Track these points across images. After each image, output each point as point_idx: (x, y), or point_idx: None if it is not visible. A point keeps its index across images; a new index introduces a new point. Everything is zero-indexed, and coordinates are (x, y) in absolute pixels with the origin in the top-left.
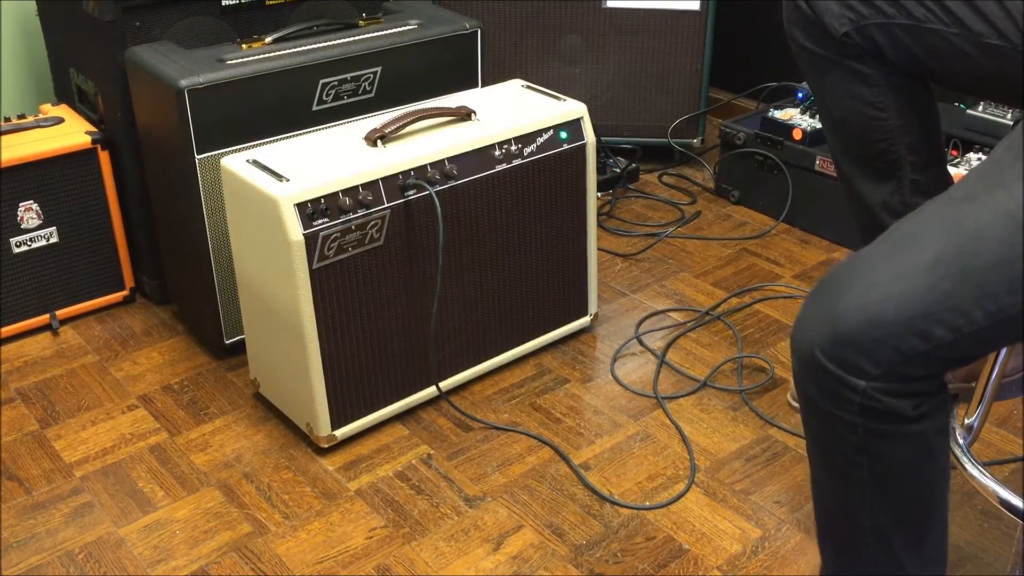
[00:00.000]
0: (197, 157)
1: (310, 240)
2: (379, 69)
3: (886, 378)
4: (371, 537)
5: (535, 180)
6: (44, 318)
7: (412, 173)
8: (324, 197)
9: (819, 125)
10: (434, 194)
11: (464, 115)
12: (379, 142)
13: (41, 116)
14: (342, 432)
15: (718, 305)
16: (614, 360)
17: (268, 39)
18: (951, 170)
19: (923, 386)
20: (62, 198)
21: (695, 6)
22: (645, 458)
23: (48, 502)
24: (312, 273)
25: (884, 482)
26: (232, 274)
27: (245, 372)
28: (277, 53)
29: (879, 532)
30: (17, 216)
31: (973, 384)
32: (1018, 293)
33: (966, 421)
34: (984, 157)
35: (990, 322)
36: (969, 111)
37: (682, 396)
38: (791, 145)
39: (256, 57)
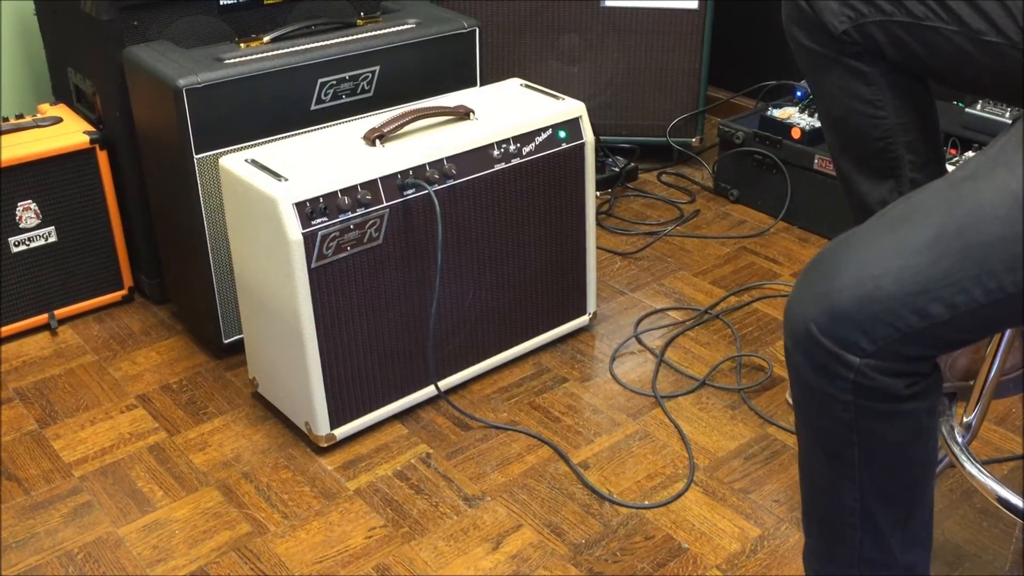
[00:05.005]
0: (195, 157)
1: (309, 239)
2: (377, 68)
3: (881, 355)
4: (370, 536)
5: (534, 179)
6: (43, 318)
7: (411, 172)
8: (323, 196)
9: (818, 124)
10: (432, 193)
11: (463, 114)
12: (377, 141)
13: (39, 116)
14: (341, 431)
15: (717, 304)
16: (613, 359)
17: (266, 38)
18: (949, 169)
19: (917, 366)
20: (61, 198)
21: (693, 5)
22: (644, 457)
23: (47, 502)
24: (311, 272)
25: (874, 462)
26: (231, 273)
27: (244, 371)
28: (275, 52)
29: (867, 513)
30: (16, 216)
31: (971, 382)
32: (1018, 271)
33: (965, 419)
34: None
35: (989, 300)
36: (968, 109)
37: (681, 395)
38: (790, 144)
39: (254, 56)
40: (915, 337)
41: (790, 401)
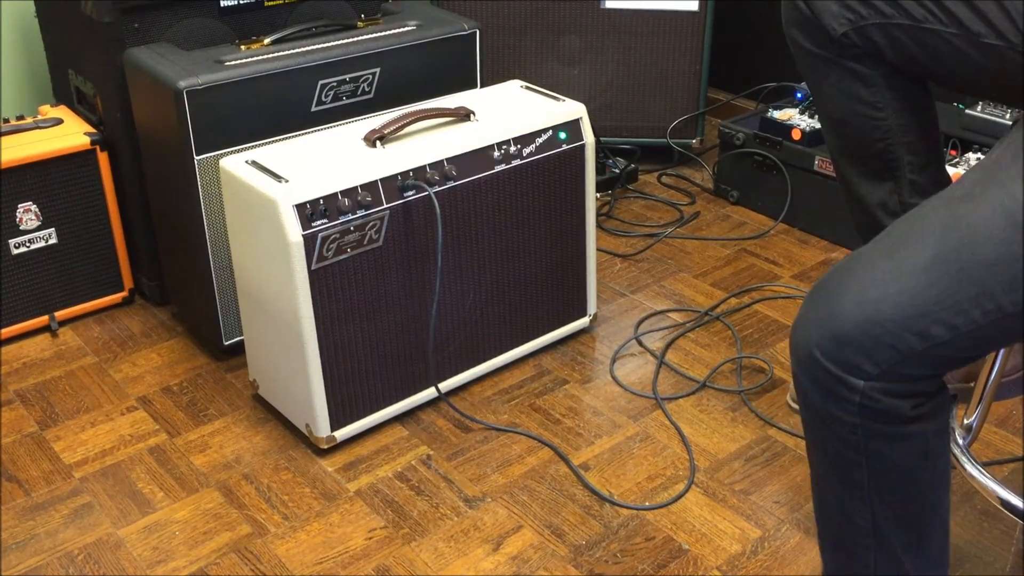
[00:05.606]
0: (196, 158)
1: (309, 241)
2: (378, 70)
3: (885, 377)
4: (371, 538)
5: (534, 181)
6: (43, 319)
7: (411, 174)
8: (323, 198)
9: (818, 125)
10: (433, 195)
11: (463, 116)
12: (378, 143)
13: (40, 117)
14: (341, 433)
15: (717, 305)
16: (613, 361)
17: (267, 40)
18: (949, 170)
19: (922, 386)
20: (61, 199)
21: (694, 7)
22: (644, 458)
23: (47, 503)
24: (311, 274)
25: (883, 483)
26: (231, 275)
27: (244, 373)
28: (276, 54)
29: (879, 534)
30: (16, 217)
31: (972, 384)
32: (1016, 291)
33: (965, 421)
34: (982, 157)
35: (988, 321)
36: (967, 111)
37: (681, 397)
38: (790, 145)
39: (255, 58)
40: (917, 358)
41: (791, 403)
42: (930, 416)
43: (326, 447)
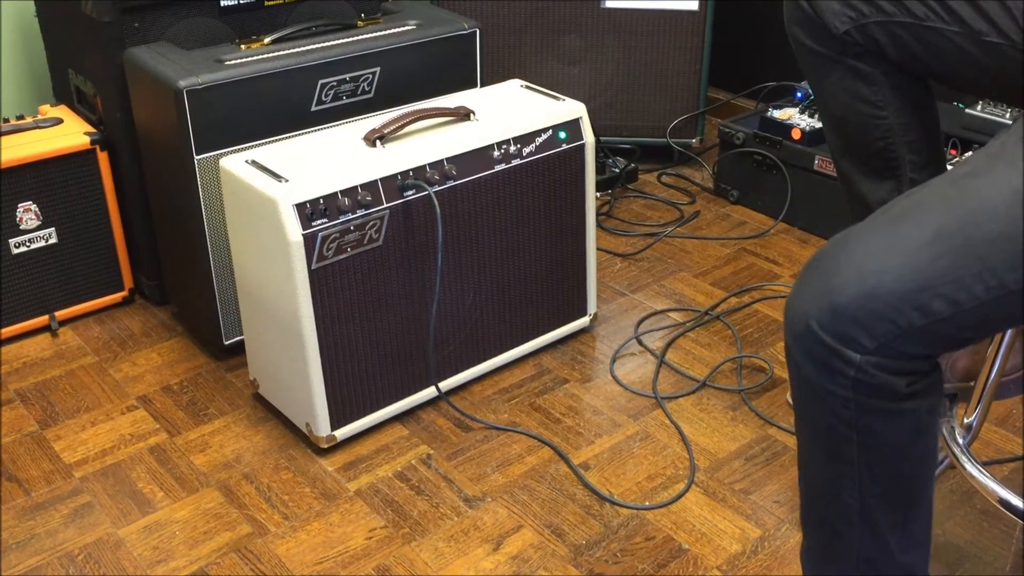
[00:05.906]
0: (196, 158)
1: (309, 240)
2: (378, 69)
3: (881, 352)
4: (371, 537)
5: (534, 180)
6: (43, 319)
7: (411, 173)
8: (323, 197)
9: (818, 124)
10: (433, 194)
11: (463, 115)
12: (378, 142)
13: (40, 117)
14: (341, 432)
15: (717, 305)
16: (613, 360)
17: (267, 40)
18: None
19: (918, 364)
20: (61, 199)
21: (694, 6)
22: (645, 458)
23: (48, 503)
24: (311, 273)
25: (873, 460)
26: (231, 275)
27: (244, 373)
28: (276, 54)
29: (866, 511)
30: (16, 217)
31: (972, 383)
32: (1020, 268)
33: (965, 420)
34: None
35: (990, 297)
36: (968, 110)
37: (681, 396)
38: (790, 145)
39: (255, 58)
40: (916, 334)
41: (791, 402)
42: (924, 394)
43: (326, 446)
